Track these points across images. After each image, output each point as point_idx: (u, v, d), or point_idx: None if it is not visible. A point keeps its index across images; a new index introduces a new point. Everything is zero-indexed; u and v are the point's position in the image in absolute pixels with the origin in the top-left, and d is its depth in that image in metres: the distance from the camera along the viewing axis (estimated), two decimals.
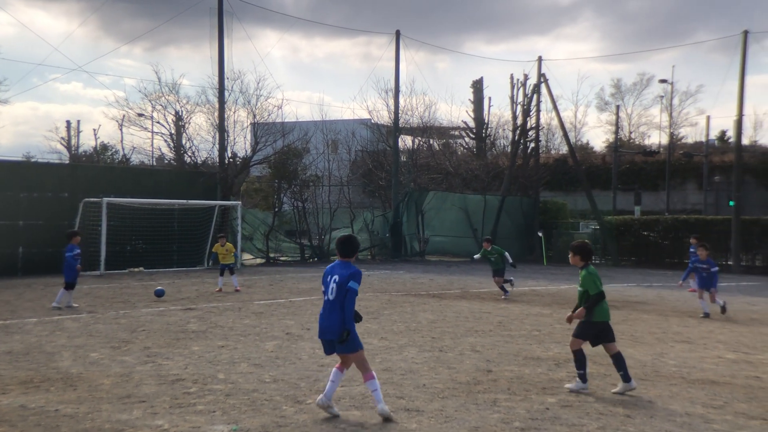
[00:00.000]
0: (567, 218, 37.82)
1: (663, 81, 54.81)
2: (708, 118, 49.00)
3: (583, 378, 7.31)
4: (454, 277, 22.50)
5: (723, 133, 62.98)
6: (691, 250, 18.87)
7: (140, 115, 30.89)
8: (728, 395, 7.26)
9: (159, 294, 15.02)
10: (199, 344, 9.65)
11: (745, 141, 46.84)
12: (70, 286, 13.29)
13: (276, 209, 30.96)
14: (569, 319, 7.63)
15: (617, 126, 54.21)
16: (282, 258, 29.54)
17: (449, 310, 13.85)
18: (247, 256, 27.76)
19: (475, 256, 18.14)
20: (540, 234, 33.15)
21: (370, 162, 37.56)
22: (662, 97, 63.41)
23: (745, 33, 29.59)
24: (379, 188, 36.39)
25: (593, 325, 7.37)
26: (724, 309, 13.78)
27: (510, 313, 13.61)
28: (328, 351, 6.27)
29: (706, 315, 13.57)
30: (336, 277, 6.15)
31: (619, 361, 7.26)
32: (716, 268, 14.12)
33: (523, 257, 33.69)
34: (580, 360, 7.33)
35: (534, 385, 7.49)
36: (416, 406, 6.58)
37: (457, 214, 33.28)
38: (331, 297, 6.14)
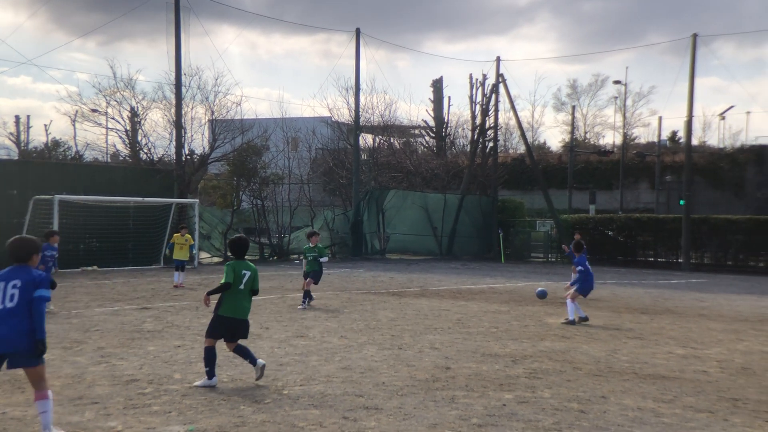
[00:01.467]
0: (524, 217, 38.39)
1: (617, 82, 56.11)
2: (660, 118, 50.32)
3: (210, 374, 7.13)
4: (414, 275, 22.61)
5: (674, 133, 64.77)
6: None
7: (94, 110, 30.13)
8: (677, 389, 7.48)
9: (541, 295, 14.85)
10: (154, 344, 9.49)
11: (695, 141, 48.30)
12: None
13: (234, 207, 30.61)
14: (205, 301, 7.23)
15: (573, 126, 55.24)
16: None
17: (409, 308, 13.92)
18: (204, 255, 27.38)
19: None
20: (500, 232, 33.62)
21: (331, 160, 37.45)
22: (616, 97, 64.91)
23: (695, 36, 30.50)
24: (340, 186, 36.33)
25: (220, 319, 7.18)
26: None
27: (469, 311, 13.76)
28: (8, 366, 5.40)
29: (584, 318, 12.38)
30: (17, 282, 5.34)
31: (242, 351, 7.29)
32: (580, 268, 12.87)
33: (481, 255, 34.10)
34: (209, 358, 7.13)
35: (491, 382, 7.59)
36: (375, 404, 6.60)
37: (418, 213, 33.47)
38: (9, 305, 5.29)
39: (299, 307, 13.55)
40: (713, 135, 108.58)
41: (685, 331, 11.81)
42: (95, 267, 22.44)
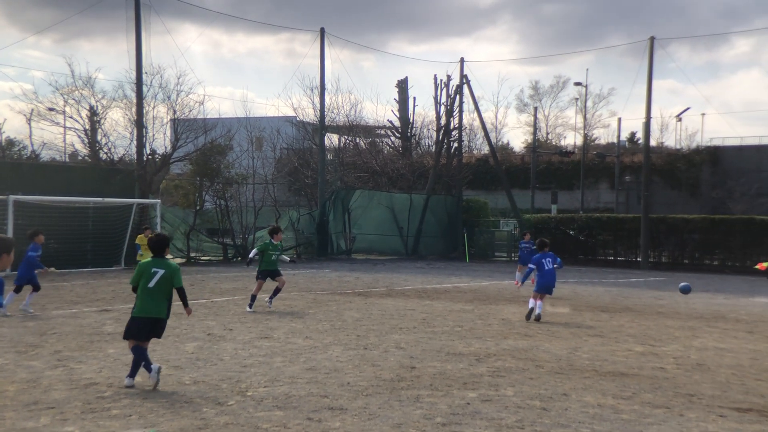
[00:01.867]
0: (488, 216, 38.80)
1: (578, 84, 57.12)
2: (619, 120, 51.29)
3: (148, 367, 7.06)
4: (379, 275, 22.64)
5: (633, 134, 66.22)
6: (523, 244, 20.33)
7: (51, 109, 29.43)
8: (636, 386, 7.64)
9: (685, 290, 14.30)
10: (114, 347, 9.31)
11: (653, 143, 49.35)
12: (19, 289, 12.64)
13: (197, 207, 30.21)
14: None
15: (535, 127, 56.03)
16: (203, 258, 28.87)
17: (375, 308, 13.94)
18: (167, 256, 26.95)
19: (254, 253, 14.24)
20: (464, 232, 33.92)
21: (296, 160, 37.26)
22: (577, 99, 66.03)
23: (652, 39, 31.19)
24: (306, 186, 36.17)
25: (133, 320, 7.23)
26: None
27: (434, 310, 13.84)
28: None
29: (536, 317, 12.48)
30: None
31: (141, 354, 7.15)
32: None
33: (446, 254, 34.32)
34: (138, 355, 7.10)
35: (456, 381, 7.65)
36: (340, 404, 6.59)
37: (384, 213, 33.53)
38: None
39: (248, 310, 13.00)
40: (670, 136, 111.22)
41: (644, 328, 12.07)
42: (53, 269, 21.86)
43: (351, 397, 6.87)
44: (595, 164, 50.53)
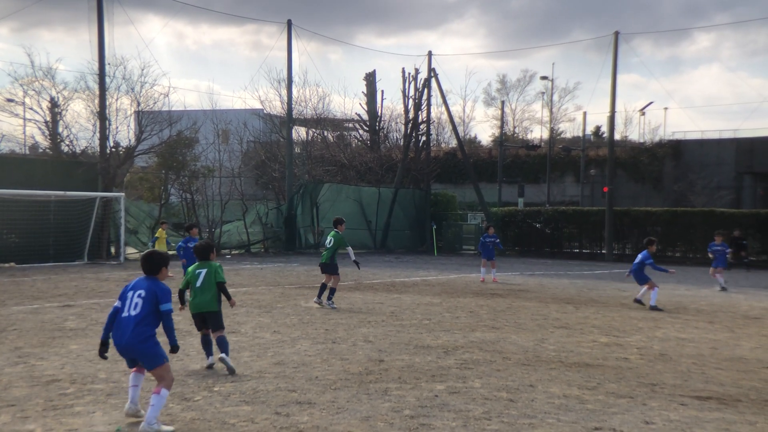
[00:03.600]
0: (456, 210, 39.03)
1: (544, 78, 57.76)
2: (584, 114, 52.40)
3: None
4: (347, 269, 22.57)
5: (598, 128, 67.23)
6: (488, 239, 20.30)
7: (10, 100, 28.58)
8: (601, 377, 7.78)
9: None
10: (78, 342, 9.13)
11: (617, 136, 50.18)
12: None
13: (162, 201, 29.76)
14: None
15: (502, 121, 56.49)
16: (170, 252, 28.48)
17: (343, 302, 13.91)
18: (131, 250, 26.54)
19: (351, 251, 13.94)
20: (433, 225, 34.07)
21: (263, 153, 36.96)
22: (543, 93, 66.71)
23: (616, 34, 31.68)
24: (273, 180, 35.91)
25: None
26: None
27: (402, 304, 13.88)
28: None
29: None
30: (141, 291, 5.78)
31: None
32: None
33: (415, 248, 34.45)
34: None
35: (424, 373, 7.69)
36: (308, 398, 6.57)
37: (352, 207, 33.48)
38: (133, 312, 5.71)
39: (329, 305, 12.73)
40: (634, 130, 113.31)
41: (608, 320, 12.29)
42: (12, 264, 21.40)
43: (319, 391, 6.85)
44: (561, 158, 51.20)
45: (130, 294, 5.77)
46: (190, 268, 8.11)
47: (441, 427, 5.76)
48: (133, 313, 5.67)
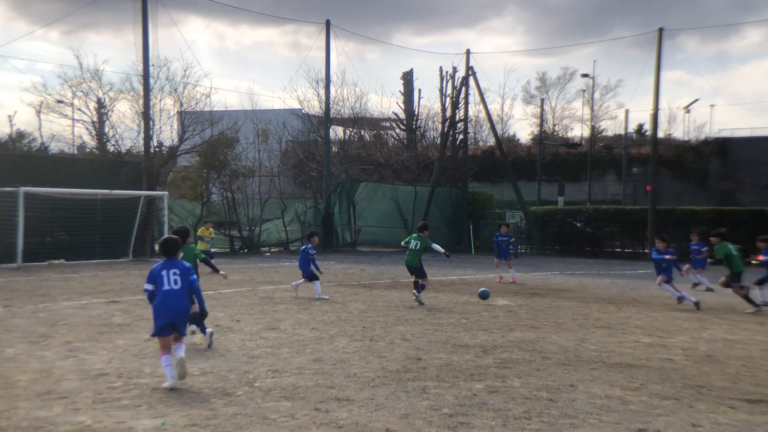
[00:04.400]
0: (494, 209, 38.72)
1: (585, 75, 56.87)
2: (626, 111, 51.45)
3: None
4: (384, 267, 22.68)
5: (640, 126, 65.88)
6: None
7: (60, 101, 29.48)
8: (644, 377, 7.64)
9: (483, 296, 14.11)
10: (124, 338, 9.37)
11: (661, 134, 49.15)
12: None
13: (204, 199, 30.29)
14: None
15: (542, 119, 55.86)
16: (211, 250, 28.95)
17: (380, 300, 13.97)
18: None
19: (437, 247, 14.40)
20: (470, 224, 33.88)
21: (302, 152, 37.28)
22: (584, 90, 65.70)
23: (660, 30, 31.01)
24: (311, 179, 36.20)
25: None
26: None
27: (439, 302, 13.85)
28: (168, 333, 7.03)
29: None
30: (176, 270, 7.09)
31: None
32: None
33: (451, 247, 34.31)
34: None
35: (462, 372, 7.67)
36: (347, 395, 6.62)
37: (388, 205, 33.53)
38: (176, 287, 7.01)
39: (417, 297, 13.44)
40: (678, 128, 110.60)
41: (651, 320, 12.06)
42: (62, 260, 22.05)
43: (357, 388, 6.90)
44: (602, 156, 50.33)
45: (164, 273, 6.97)
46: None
47: (480, 426, 5.75)
48: (175, 287, 6.96)
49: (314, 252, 14.48)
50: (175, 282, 6.96)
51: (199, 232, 21.43)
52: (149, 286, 6.94)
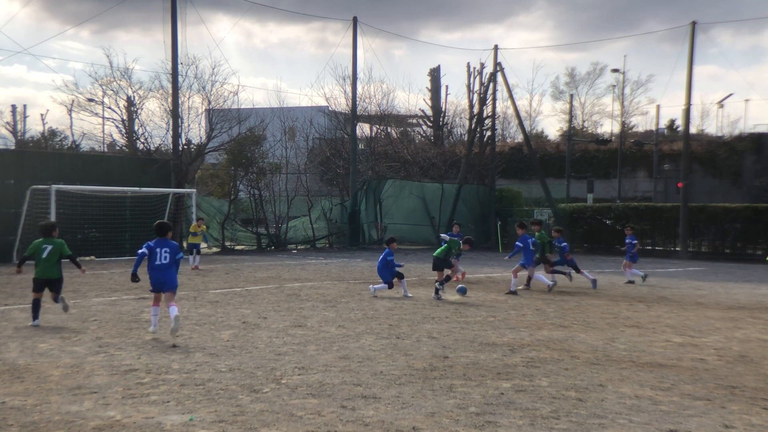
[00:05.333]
0: (522, 206, 38.38)
1: (615, 70, 56.04)
2: (658, 107, 50.65)
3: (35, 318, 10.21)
4: (411, 265, 22.63)
5: (672, 122, 64.78)
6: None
7: (90, 100, 30.03)
8: (675, 377, 7.49)
9: (461, 292, 14.43)
10: (152, 334, 9.48)
11: (693, 130, 48.29)
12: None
13: (232, 197, 30.56)
14: None
15: (571, 115, 55.21)
16: (238, 247, 29.22)
17: (406, 298, 13.93)
18: (202, 245, 27.36)
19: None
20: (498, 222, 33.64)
21: (328, 150, 37.38)
22: (614, 86, 64.84)
23: (693, 24, 30.37)
24: (337, 176, 36.28)
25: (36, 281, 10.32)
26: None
27: (466, 300, 13.77)
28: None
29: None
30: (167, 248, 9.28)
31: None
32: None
33: (479, 245, 34.10)
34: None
35: (489, 371, 7.61)
36: (373, 393, 6.60)
37: (415, 202, 33.44)
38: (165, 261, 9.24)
39: (438, 290, 13.84)
40: (711, 123, 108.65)
41: (683, 319, 11.83)
42: (92, 257, 22.43)
43: (384, 385, 6.88)
44: (632, 152, 49.57)
45: (157, 251, 9.20)
46: (35, 242, 10.16)
47: (508, 425, 5.68)
48: (164, 262, 9.21)
49: (392, 258, 14.55)
50: (165, 258, 9.17)
51: (191, 228, 21.38)
52: (144, 251, 9.19)
